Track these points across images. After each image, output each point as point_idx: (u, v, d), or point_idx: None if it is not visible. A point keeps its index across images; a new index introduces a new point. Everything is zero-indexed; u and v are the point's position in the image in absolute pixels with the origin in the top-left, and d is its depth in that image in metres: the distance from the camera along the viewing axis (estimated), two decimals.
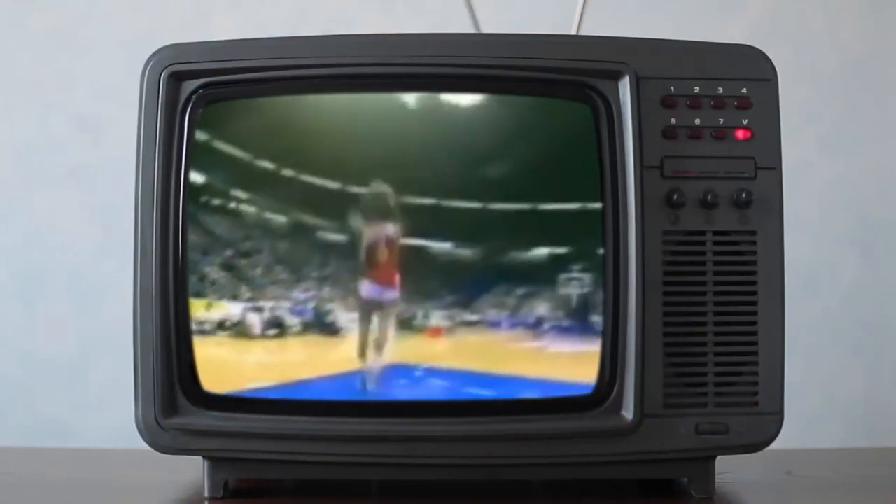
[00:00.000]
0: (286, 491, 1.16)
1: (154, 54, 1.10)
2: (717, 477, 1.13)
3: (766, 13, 1.73)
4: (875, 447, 1.60)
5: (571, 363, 1.07)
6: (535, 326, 1.07)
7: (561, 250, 1.07)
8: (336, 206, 1.07)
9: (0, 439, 1.67)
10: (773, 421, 1.10)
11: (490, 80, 1.09)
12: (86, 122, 1.71)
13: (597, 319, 1.07)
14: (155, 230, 1.08)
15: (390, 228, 1.07)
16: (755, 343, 1.09)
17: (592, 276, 1.07)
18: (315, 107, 1.09)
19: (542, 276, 1.06)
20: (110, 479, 1.27)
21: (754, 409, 1.10)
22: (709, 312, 1.09)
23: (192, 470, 1.18)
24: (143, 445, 1.10)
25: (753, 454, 1.12)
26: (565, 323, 1.07)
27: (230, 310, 1.08)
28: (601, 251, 1.07)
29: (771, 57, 1.12)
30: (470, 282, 1.07)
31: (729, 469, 1.22)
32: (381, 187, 1.07)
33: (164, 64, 1.09)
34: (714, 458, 1.12)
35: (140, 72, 1.09)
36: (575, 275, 1.06)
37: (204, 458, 1.11)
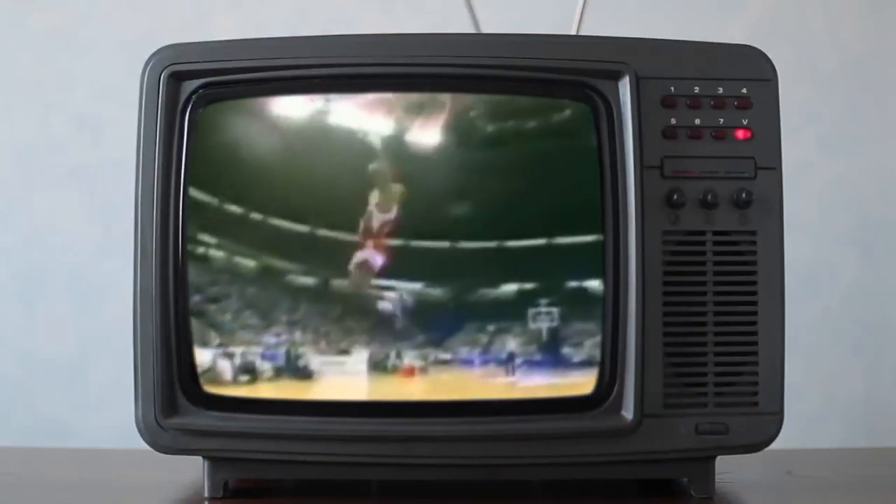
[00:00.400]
0: (286, 491, 1.16)
1: (154, 54, 1.10)
2: (717, 477, 1.13)
3: (766, 13, 1.73)
4: (875, 447, 1.60)
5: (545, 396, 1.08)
6: (507, 362, 1.07)
7: (529, 285, 1.07)
8: (305, 250, 1.07)
9: (0, 439, 1.67)
10: (773, 421, 1.10)
11: (490, 80, 1.09)
12: (86, 122, 1.71)
13: (568, 351, 1.07)
14: (155, 230, 1.08)
15: (394, 212, 1.07)
16: (755, 343, 1.09)
17: (561, 309, 1.07)
18: (285, 149, 1.09)
19: (512, 312, 1.07)
20: (110, 479, 1.27)
21: (754, 409, 1.10)
22: (709, 312, 1.09)
23: (192, 470, 1.18)
24: (143, 445, 1.10)
25: (753, 454, 1.12)
26: (537, 357, 1.07)
27: (201, 356, 1.08)
28: (571, 284, 1.07)
29: (771, 57, 1.12)
30: (442, 320, 1.07)
31: (729, 469, 1.22)
32: (383, 166, 1.07)
33: (164, 64, 1.09)
34: (714, 458, 1.12)
35: (140, 72, 1.09)
36: (543, 309, 1.07)
37: (204, 458, 1.11)
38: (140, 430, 1.09)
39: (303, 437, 1.08)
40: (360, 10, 1.72)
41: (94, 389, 1.70)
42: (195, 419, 1.08)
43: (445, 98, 1.08)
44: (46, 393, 1.70)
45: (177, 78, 1.09)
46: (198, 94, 1.09)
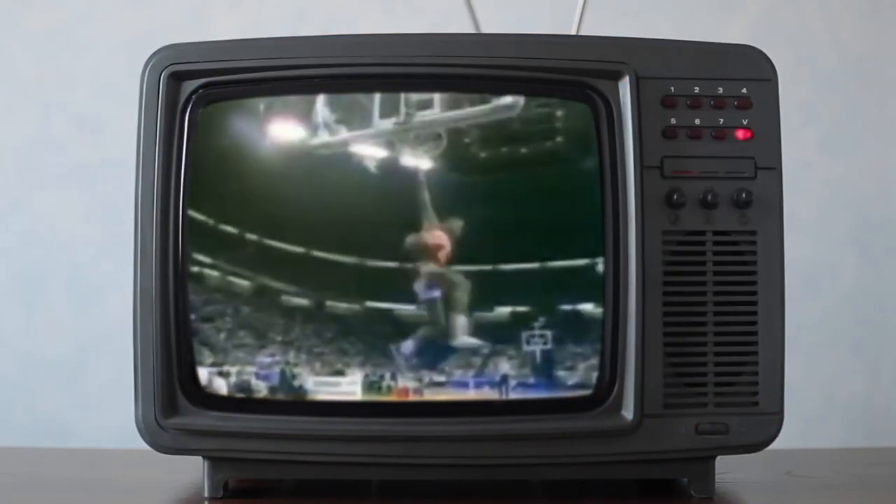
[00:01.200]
0: (286, 491, 1.16)
1: (154, 54, 1.10)
2: (717, 477, 1.13)
3: (766, 13, 1.73)
4: (875, 447, 1.60)
5: None
6: (501, 384, 1.08)
7: (523, 308, 1.07)
8: (300, 265, 1.07)
9: (0, 439, 1.67)
10: (773, 421, 1.10)
11: (490, 80, 1.09)
12: (86, 122, 1.71)
13: (562, 374, 1.07)
14: (155, 230, 1.08)
15: (438, 233, 1.07)
16: (755, 343, 1.09)
17: (554, 332, 1.07)
18: (281, 169, 1.09)
19: (506, 335, 1.07)
20: (110, 479, 1.27)
21: (754, 409, 1.10)
22: (709, 312, 1.09)
23: (192, 470, 1.18)
24: (143, 445, 1.10)
25: (753, 454, 1.12)
26: (530, 380, 1.07)
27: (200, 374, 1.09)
28: (564, 307, 1.07)
29: (771, 57, 1.12)
30: (436, 342, 1.07)
31: (729, 469, 1.22)
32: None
33: (164, 64, 1.09)
34: (714, 458, 1.12)
35: (140, 72, 1.09)
36: (537, 332, 1.07)
37: (204, 458, 1.11)
38: (140, 430, 1.09)
39: (303, 437, 1.08)
40: (360, 10, 1.72)
41: (94, 389, 1.70)
42: (195, 419, 1.08)
43: (441, 129, 1.08)
44: (46, 393, 1.71)
45: (177, 78, 1.09)
46: (198, 94, 1.09)
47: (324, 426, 1.07)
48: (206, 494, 1.11)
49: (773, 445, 1.11)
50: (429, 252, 1.07)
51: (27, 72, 1.72)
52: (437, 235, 1.06)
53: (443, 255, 1.07)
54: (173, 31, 1.52)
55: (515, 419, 1.08)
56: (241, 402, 1.08)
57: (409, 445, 1.08)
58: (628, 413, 1.08)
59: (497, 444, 1.08)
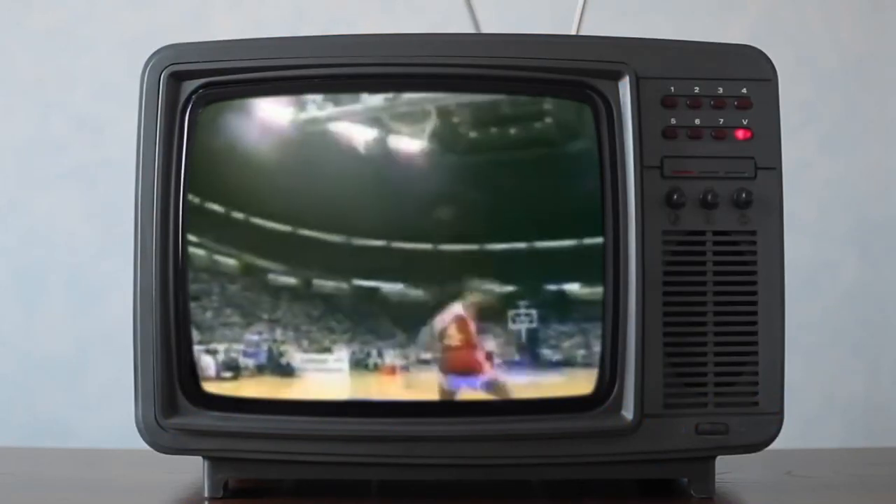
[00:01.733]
0: (286, 491, 1.16)
1: (154, 54, 1.10)
2: (717, 477, 1.13)
3: (766, 13, 1.73)
4: (875, 447, 1.60)
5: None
6: (486, 361, 1.08)
7: (510, 288, 1.07)
8: (300, 251, 1.08)
9: (0, 439, 1.67)
10: (773, 421, 1.10)
11: (490, 80, 1.09)
12: (86, 122, 1.71)
13: (545, 352, 1.08)
14: (155, 230, 1.08)
15: (458, 307, 1.07)
16: (755, 343, 1.09)
17: (540, 311, 1.07)
18: (277, 152, 1.09)
19: (493, 313, 1.07)
20: (110, 479, 1.27)
21: (754, 409, 1.10)
22: (709, 312, 1.09)
23: (192, 470, 1.18)
24: (143, 445, 1.10)
25: (753, 454, 1.12)
26: (516, 357, 1.08)
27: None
28: (550, 287, 1.07)
29: (771, 57, 1.12)
30: (423, 321, 1.07)
31: (729, 469, 1.22)
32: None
33: (164, 64, 1.09)
34: (714, 458, 1.12)
35: (140, 72, 1.09)
36: (523, 311, 1.07)
37: (204, 458, 1.11)
38: (140, 430, 1.09)
39: (303, 437, 1.08)
40: (360, 10, 1.72)
41: (94, 389, 1.70)
42: (195, 419, 1.08)
43: (430, 107, 1.08)
44: (46, 393, 1.71)
45: (177, 78, 1.09)
46: (198, 94, 1.09)
47: (324, 426, 1.08)
48: (206, 494, 1.11)
49: (773, 445, 1.11)
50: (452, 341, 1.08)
51: (27, 72, 1.72)
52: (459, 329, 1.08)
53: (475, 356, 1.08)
54: (173, 31, 1.52)
55: (515, 419, 1.08)
56: (241, 402, 1.08)
57: (409, 445, 1.08)
58: (628, 413, 1.08)
59: (497, 444, 1.08)
